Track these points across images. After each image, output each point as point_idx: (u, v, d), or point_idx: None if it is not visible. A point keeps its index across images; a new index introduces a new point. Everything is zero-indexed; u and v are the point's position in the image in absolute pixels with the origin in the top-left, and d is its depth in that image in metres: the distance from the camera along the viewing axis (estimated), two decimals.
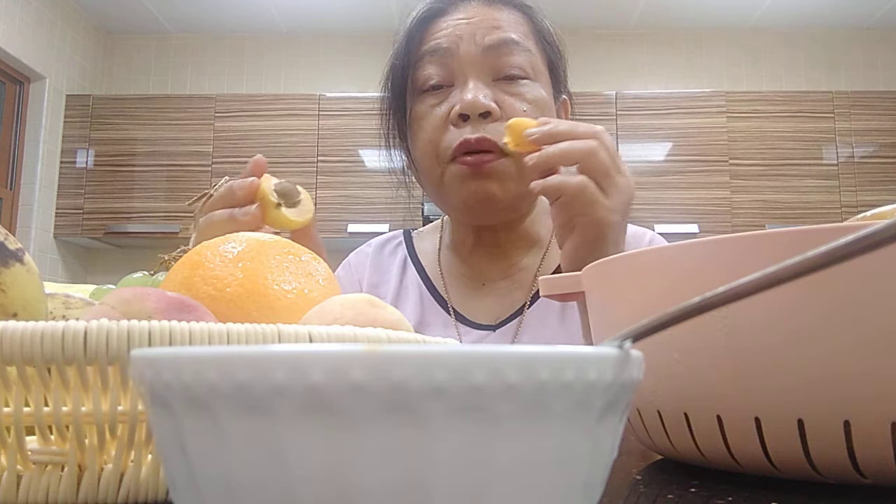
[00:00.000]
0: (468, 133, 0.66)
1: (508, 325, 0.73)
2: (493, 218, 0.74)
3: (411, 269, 0.81)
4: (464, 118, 0.67)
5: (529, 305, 0.74)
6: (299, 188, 0.57)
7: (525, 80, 0.70)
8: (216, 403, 0.15)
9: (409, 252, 0.83)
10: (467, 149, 0.66)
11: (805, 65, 3.66)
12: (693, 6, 3.44)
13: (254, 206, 0.54)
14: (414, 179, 0.80)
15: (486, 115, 0.67)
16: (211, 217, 0.54)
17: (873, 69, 3.65)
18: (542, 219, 0.80)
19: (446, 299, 0.77)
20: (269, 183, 0.55)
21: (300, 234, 0.55)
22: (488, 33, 0.69)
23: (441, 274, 0.80)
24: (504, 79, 0.69)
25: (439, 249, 0.82)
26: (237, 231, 0.56)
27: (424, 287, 0.79)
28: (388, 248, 0.85)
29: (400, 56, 0.74)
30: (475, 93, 0.67)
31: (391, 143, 0.78)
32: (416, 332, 0.77)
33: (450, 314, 0.76)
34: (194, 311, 0.30)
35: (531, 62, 0.70)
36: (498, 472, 0.15)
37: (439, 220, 0.87)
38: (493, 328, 0.74)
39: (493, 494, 0.15)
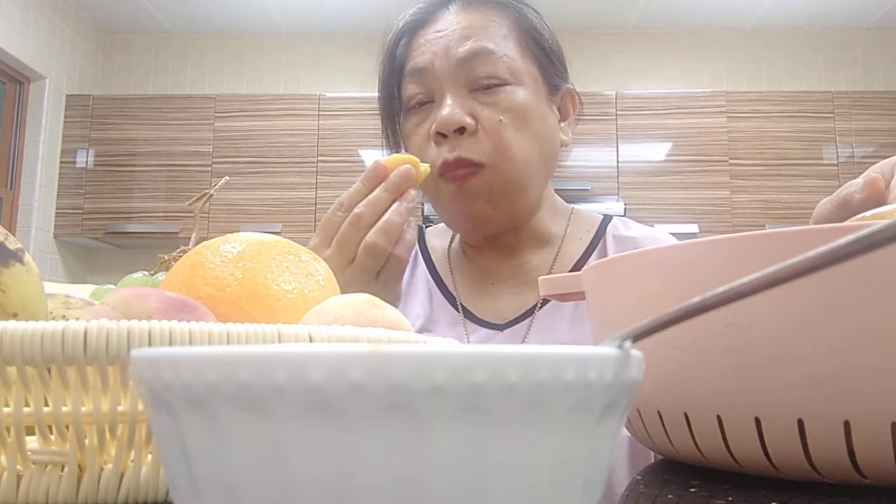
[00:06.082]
0: (446, 153, 0.67)
1: (518, 325, 0.73)
2: (491, 233, 0.74)
3: (421, 265, 0.81)
4: (442, 135, 0.68)
5: (541, 307, 0.73)
6: None
7: (503, 87, 0.69)
8: (216, 403, 0.15)
9: (420, 247, 0.83)
10: (447, 170, 0.68)
11: (805, 65, 3.65)
12: (693, 6, 3.43)
13: (413, 191, 0.60)
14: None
15: (461, 130, 0.67)
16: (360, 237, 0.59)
17: (873, 69, 3.65)
18: (553, 216, 0.78)
19: (455, 296, 0.76)
20: (408, 157, 0.61)
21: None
22: (460, 45, 0.69)
23: (451, 271, 0.79)
24: (481, 89, 0.69)
25: (449, 246, 0.82)
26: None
27: (433, 283, 0.78)
28: None
29: (384, 75, 0.75)
30: (450, 109, 0.67)
31: (391, 145, 0.78)
32: (424, 328, 0.76)
33: (458, 311, 0.75)
34: (194, 311, 0.30)
35: (508, 66, 0.69)
36: (498, 472, 0.15)
37: None
38: (501, 328, 0.73)
39: (493, 494, 0.15)
